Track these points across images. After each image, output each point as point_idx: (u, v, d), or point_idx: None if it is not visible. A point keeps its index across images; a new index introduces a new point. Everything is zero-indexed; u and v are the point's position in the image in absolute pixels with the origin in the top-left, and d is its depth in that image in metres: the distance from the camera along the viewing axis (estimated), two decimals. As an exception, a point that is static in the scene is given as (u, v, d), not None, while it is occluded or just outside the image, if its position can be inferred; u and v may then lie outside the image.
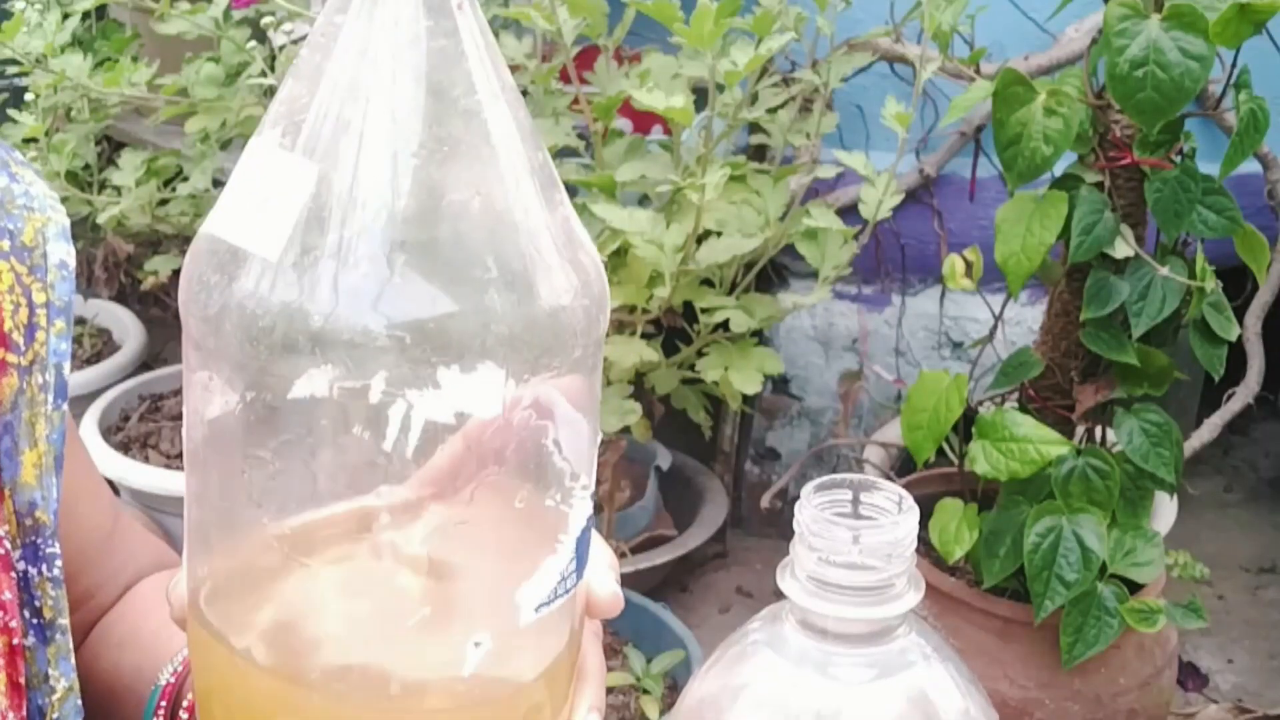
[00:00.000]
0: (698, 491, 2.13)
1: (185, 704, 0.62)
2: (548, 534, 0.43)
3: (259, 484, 0.40)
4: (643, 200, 1.60)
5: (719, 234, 1.49)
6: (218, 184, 1.79)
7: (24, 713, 0.60)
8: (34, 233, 0.63)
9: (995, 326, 1.56)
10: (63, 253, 0.64)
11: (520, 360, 0.40)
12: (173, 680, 0.63)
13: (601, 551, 0.48)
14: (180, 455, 1.38)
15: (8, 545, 0.59)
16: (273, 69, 1.60)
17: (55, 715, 0.62)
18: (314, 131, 0.40)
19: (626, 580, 1.79)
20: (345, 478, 0.40)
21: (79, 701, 0.63)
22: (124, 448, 1.99)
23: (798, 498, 0.48)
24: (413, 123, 0.40)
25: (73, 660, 0.63)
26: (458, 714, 0.42)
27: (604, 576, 0.48)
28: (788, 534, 0.48)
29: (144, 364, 2.25)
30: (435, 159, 0.40)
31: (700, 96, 1.48)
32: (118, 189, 1.84)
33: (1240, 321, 1.61)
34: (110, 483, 1.88)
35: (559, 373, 0.41)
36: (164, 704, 0.62)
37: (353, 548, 0.41)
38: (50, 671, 0.62)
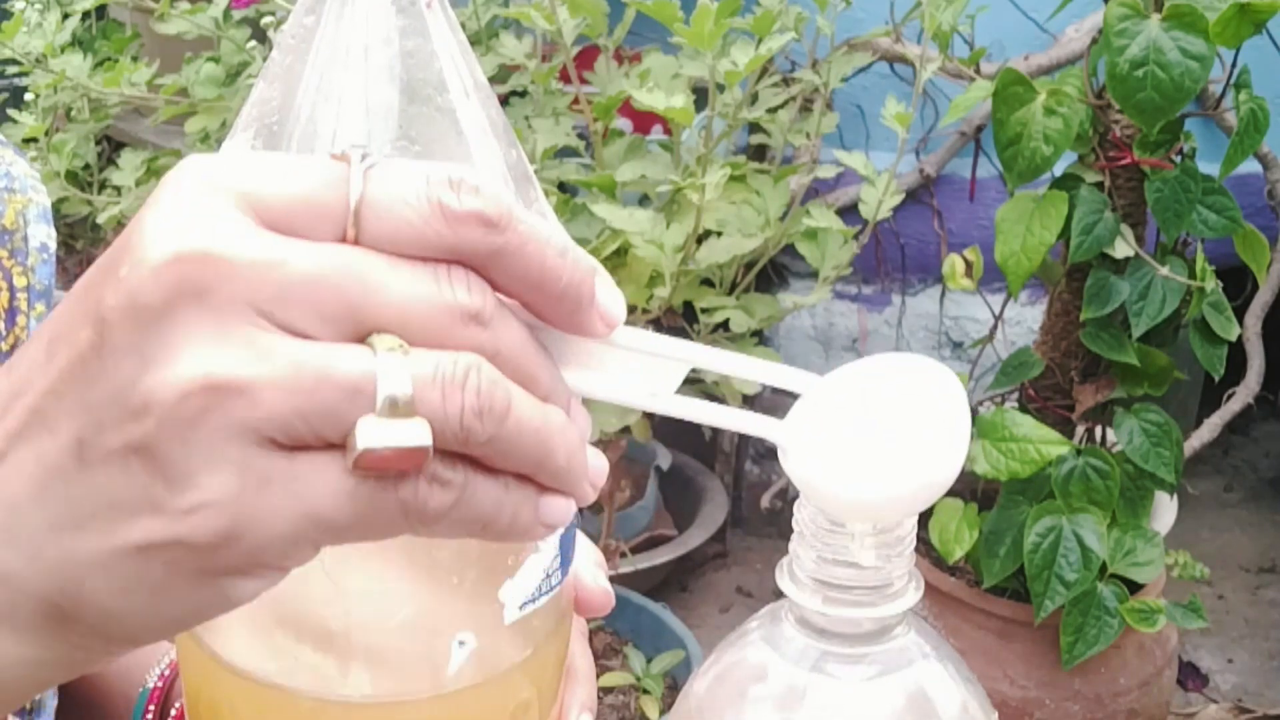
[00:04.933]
0: (698, 491, 2.13)
1: (174, 711, 0.62)
2: None
3: None
4: (643, 200, 1.60)
5: (719, 234, 1.49)
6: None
7: None
8: (14, 215, 0.62)
9: (995, 326, 1.56)
10: (44, 235, 0.63)
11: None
12: (160, 684, 0.62)
13: (588, 549, 0.48)
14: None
15: None
16: (273, 69, 1.60)
17: (36, 696, 0.62)
18: (286, 134, 0.40)
19: (626, 580, 1.79)
20: None
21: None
22: (124, 448, 1.99)
23: (797, 497, 0.48)
24: (385, 123, 0.40)
25: None
26: (444, 713, 0.42)
27: (593, 573, 0.48)
28: (788, 534, 0.48)
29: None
30: (408, 159, 0.40)
31: (700, 96, 1.48)
32: (118, 189, 1.84)
33: (1240, 321, 1.61)
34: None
35: None
36: (152, 708, 0.62)
37: (335, 549, 0.41)
38: None
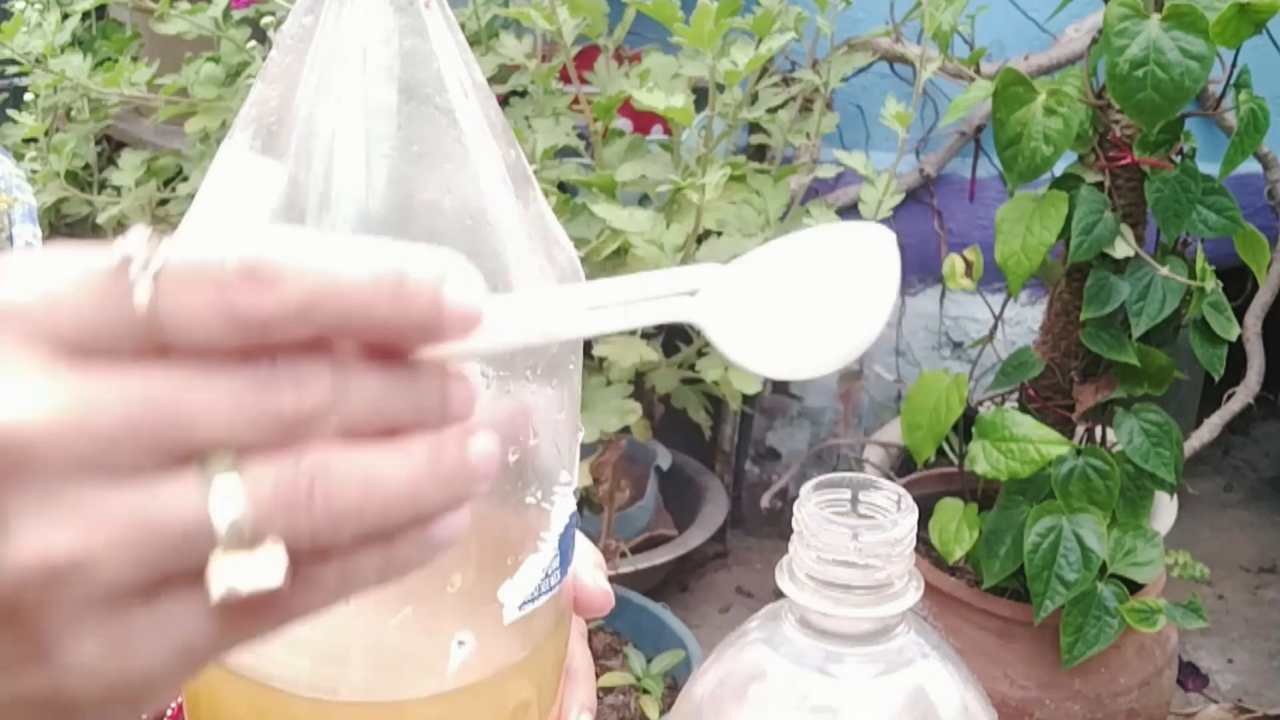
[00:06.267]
0: (698, 491, 2.13)
1: (170, 710, 0.62)
2: (530, 532, 0.43)
3: None
4: (643, 200, 1.60)
5: (719, 234, 1.49)
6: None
7: None
8: None
9: (995, 326, 1.56)
10: (29, 234, 0.63)
11: (498, 359, 0.40)
12: None
13: (588, 550, 0.48)
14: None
15: None
16: (273, 69, 1.60)
17: None
18: (284, 133, 0.40)
19: (626, 580, 1.79)
20: None
21: None
22: (124, 448, 1.98)
23: (797, 497, 0.48)
24: (383, 122, 0.40)
25: None
26: (443, 713, 0.42)
27: (593, 574, 0.48)
28: (788, 534, 0.48)
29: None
30: (406, 158, 0.40)
31: (700, 96, 1.48)
32: (118, 189, 1.84)
33: (1240, 321, 1.61)
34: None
35: (538, 371, 0.42)
36: None
37: None
38: None
